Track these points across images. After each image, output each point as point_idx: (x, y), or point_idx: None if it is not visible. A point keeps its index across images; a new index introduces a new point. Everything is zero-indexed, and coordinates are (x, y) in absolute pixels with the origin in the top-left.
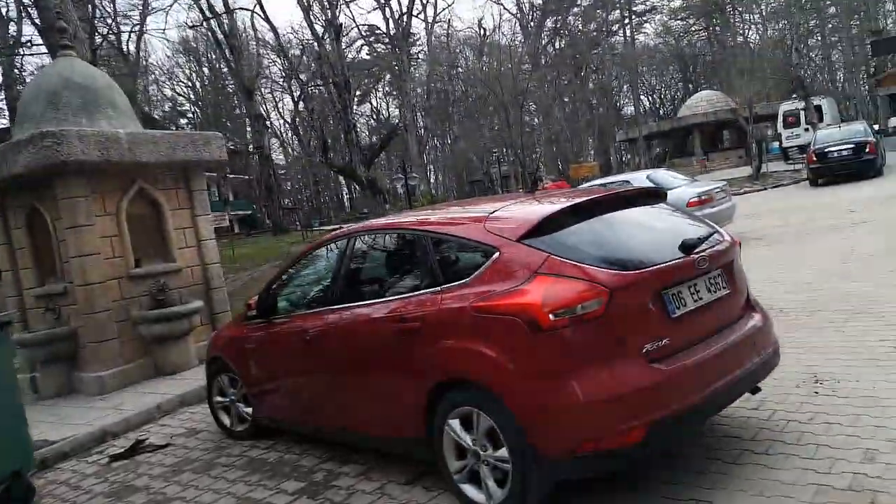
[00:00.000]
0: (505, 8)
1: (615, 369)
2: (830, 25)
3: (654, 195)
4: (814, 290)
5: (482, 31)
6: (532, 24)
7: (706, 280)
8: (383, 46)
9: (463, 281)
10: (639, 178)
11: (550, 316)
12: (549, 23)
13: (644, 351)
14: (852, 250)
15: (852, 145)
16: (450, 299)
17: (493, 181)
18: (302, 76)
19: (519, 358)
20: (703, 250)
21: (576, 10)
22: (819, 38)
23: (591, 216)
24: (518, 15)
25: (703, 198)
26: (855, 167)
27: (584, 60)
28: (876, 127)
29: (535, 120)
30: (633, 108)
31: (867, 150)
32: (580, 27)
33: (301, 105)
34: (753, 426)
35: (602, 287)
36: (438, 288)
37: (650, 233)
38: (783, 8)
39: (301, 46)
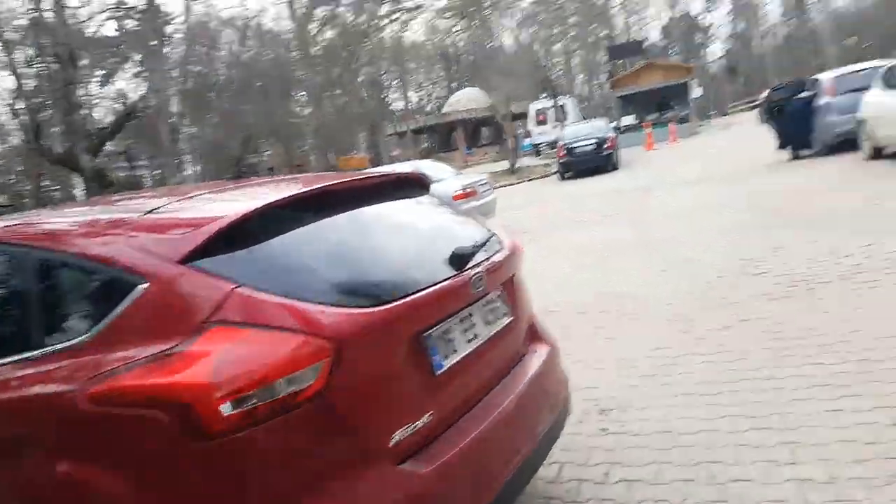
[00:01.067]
0: None
1: (344, 495)
2: (572, 34)
3: (416, 184)
4: (578, 286)
5: (246, 13)
6: (302, 10)
7: (483, 307)
8: (133, 22)
9: (78, 340)
10: (405, 169)
11: (225, 408)
12: (318, 11)
13: (393, 444)
14: (605, 244)
15: (595, 141)
16: (48, 378)
17: (256, 172)
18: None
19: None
20: (480, 263)
21: (347, 1)
22: (562, 44)
23: (315, 217)
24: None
25: (468, 190)
26: (597, 161)
27: (355, 52)
28: (613, 124)
29: (305, 110)
30: (402, 103)
31: (607, 145)
32: (351, 18)
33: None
34: (540, 495)
35: (322, 340)
36: (32, 354)
37: (407, 239)
38: (532, 15)
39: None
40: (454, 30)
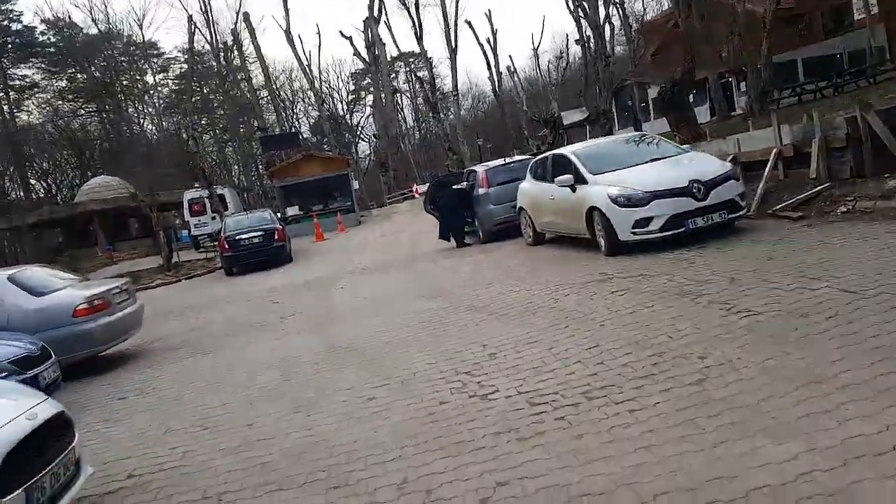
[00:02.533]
0: None
1: None
2: (221, 125)
3: None
4: (255, 442)
5: None
6: None
7: None
8: None
9: None
10: None
11: None
12: None
13: None
14: (288, 354)
15: (261, 232)
16: None
17: None
18: None
19: None
20: None
21: None
22: (213, 135)
23: None
24: None
25: (97, 303)
26: (268, 254)
27: None
28: (278, 215)
29: None
30: (21, 193)
31: (276, 236)
32: None
33: None
34: None
35: None
36: None
37: None
38: (176, 104)
39: None
40: (80, 113)
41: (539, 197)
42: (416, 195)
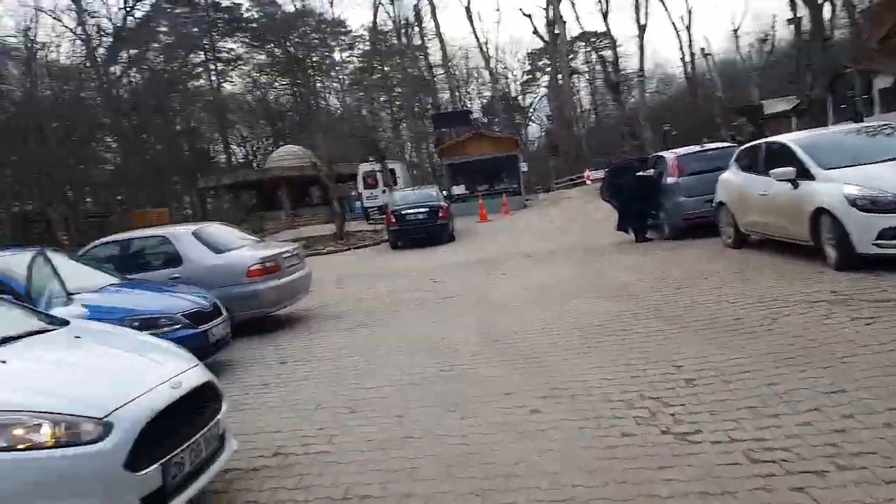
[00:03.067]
0: (62, 24)
1: None
2: (398, 103)
3: None
4: (403, 440)
5: (29, 43)
6: (101, 49)
7: None
8: None
9: None
10: (179, 235)
11: None
12: (124, 53)
13: None
14: (443, 339)
15: (427, 209)
16: None
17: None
18: None
19: None
20: None
21: (156, 45)
22: (389, 111)
23: None
24: (83, 35)
25: (268, 265)
26: (431, 231)
27: (166, 99)
28: (444, 193)
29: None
30: (225, 156)
31: (441, 214)
32: (162, 64)
33: None
34: None
35: None
36: None
37: None
38: (358, 81)
39: None
40: (275, 86)
41: (746, 191)
42: (588, 182)
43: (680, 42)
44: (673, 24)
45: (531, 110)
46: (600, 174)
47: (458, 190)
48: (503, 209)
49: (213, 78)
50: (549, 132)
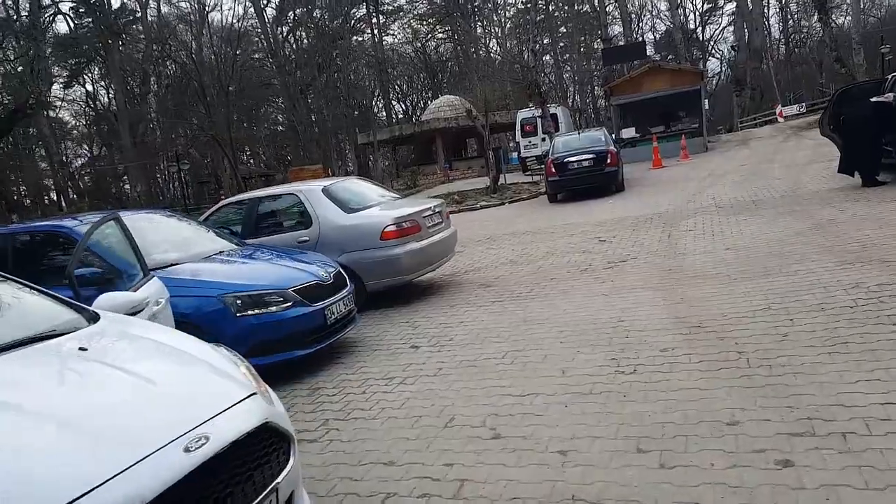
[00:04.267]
0: None
1: None
2: (561, 45)
3: None
4: (567, 494)
5: (201, 7)
6: (270, 9)
7: None
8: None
9: None
10: (308, 192)
11: None
12: (291, 13)
13: None
14: (620, 322)
15: (593, 155)
16: None
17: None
18: None
19: None
20: None
21: (320, 2)
22: (552, 55)
23: None
24: None
25: (405, 225)
26: (597, 180)
27: (330, 57)
28: (613, 137)
29: (280, 116)
30: (385, 112)
31: (609, 161)
32: (326, 21)
33: None
34: None
35: None
36: None
37: None
38: (520, 25)
39: None
40: (437, 35)
41: None
42: (780, 119)
43: None
44: None
45: (711, 43)
46: (794, 109)
47: (629, 133)
48: (682, 153)
49: (375, 31)
50: (734, 65)
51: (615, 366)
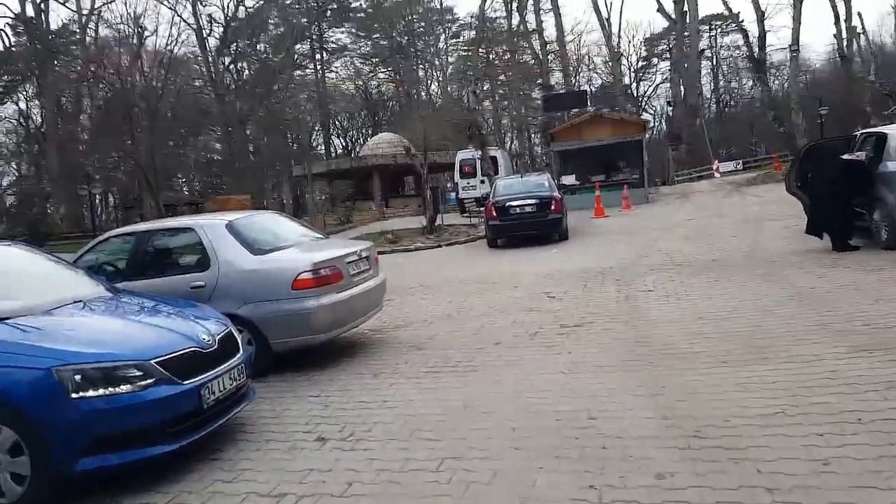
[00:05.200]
0: (177, 14)
1: None
2: (501, 91)
3: None
4: None
5: (139, 32)
6: (214, 39)
7: None
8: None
9: None
10: (209, 227)
11: None
12: (234, 44)
13: None
14: (591, 420)
15: (536, 200)
16: None
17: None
18: None
19: None
20: None
21: (263, 35)
22: (491, 101)
23: None
24: (194, 26)
25: (324, 273)
26: (540, 227)
27: (271, 89)
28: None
29: (217, 145)
30: (324, 147)
31: (553, 207)
32: (269, 54)
33: None
34: None
35: None
36: None
37: None
38: (462, 70)
39: None
40: (377, 76)
41: None
42: (717, 174)
43: (836, 14)
44: None
45: (643, 99)
46: (730, 166)
47: (569, 180)
48: (623, 203)
49: (318, 67)
50: (670, 120)
51: (596, 501)
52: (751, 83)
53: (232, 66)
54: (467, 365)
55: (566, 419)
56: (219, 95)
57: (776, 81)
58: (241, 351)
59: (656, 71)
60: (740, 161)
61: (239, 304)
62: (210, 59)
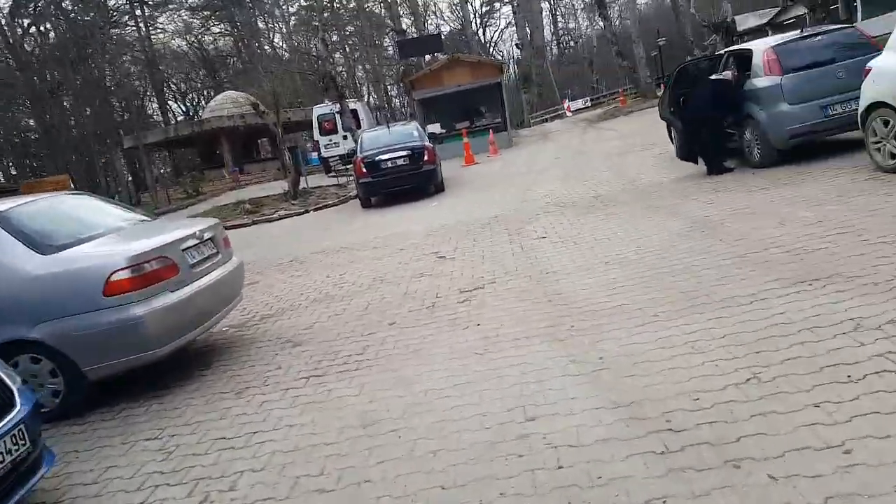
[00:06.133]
0: None
1: None
2: (351, 41)
3: None
4: None
5: None
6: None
7: None
8: None
9: None
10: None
11: None
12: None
13: None
14: (529, 423)
15: (408, 152)
16: None
17: None
18: None
19: None
20: None
21: None
22: (342, 52)
23: None
24: None
25: (149, 268)
26: (415, 180)
27: (84, 52)
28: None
29: (30, 121)
30: (160, 113)
31: (426, 157)
32: (78, 11)
33: None
34: None
35: None
36: None
37: None
38: (307, 21)
39: None
40: (214, 30)
41: None
42: (569, 113)
43: None
44: None
45: (491, 45)
46: (580, 104)
47: (434, 128)
48: (490, 149)
49: (140, 24)
50: (520, 62)
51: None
52: (587, 23)
53: (33, 29)
54: (358, 360)
55: (498, 427)
56: (21, 64)
57: (617, 20)
58: (18, 405)
59: (499, 16)
60: (588, 99)
61: (30, 326)
62: (3, 22)
